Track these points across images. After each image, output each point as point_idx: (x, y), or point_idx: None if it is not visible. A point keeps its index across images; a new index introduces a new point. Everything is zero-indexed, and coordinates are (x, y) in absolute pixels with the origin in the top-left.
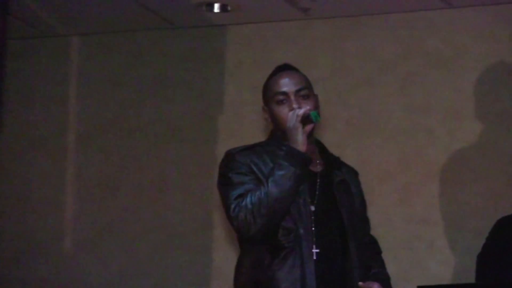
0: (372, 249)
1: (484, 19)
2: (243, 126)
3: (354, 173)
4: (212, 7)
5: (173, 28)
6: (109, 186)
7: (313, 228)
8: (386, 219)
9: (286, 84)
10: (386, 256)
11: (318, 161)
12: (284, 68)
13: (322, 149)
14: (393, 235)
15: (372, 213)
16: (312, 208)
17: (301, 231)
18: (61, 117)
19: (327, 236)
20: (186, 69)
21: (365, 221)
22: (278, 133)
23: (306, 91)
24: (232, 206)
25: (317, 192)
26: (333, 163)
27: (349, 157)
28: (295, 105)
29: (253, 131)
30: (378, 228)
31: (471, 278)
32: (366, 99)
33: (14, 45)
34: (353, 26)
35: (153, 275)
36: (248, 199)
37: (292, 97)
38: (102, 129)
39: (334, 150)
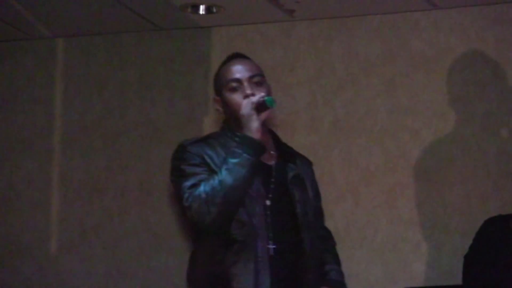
0: (326, 242)
1: (469, 20)
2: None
3: (308, 164)
4: (198, 9)
5: (158, 30)
6: (94, 188)
7: (268, 223)
8: (372, 221)
9: (239, 71)
10: (372, 257)
11: (272, 152)
12: (236, 56)
13: (275, 139)
14: (379, 237)
15: (358, 215)
16: (268, 202)
17: (256, 224)
18: (46, 119)
19: (283, 232)
20: (171, 71)
21: (320, 214)
22: (231, 123)
23: (259, 78)
24: (185, 196)
25: (272, 186)
26: (287, 155)
27: (334, 159)
28: (248, 91)
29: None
30: (364, 229)
31: (457, 280)
32: (351, 101)
33: None
34: (338, 27)
35: (139, 276)
36: (202, 188)
37: (246, 84)
38: (87, 131)
39: (319, 151)
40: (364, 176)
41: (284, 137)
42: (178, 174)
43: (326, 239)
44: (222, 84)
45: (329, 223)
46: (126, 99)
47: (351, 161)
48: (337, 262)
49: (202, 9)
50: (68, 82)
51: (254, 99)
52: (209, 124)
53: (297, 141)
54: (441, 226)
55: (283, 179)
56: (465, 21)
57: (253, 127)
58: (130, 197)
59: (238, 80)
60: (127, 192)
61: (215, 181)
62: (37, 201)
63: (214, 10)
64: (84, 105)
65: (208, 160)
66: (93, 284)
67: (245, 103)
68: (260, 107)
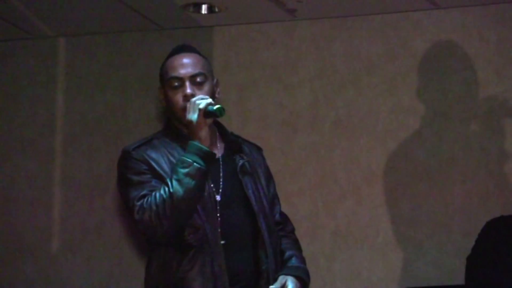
0: (284, 228)
1: (471, 20)
2: (229, 126)
3: (257, 150)
4: (199, 8)
5: (160, 29)
6: (96, 187)
7: (219, 219)
8: (374, 220)
9: (182, 68)
10: (374, 257)
11: (218, 145)
12: (182, 50)
13: (221, 130)
14: (381, 236)
15: (360, 214)
16: (218, 197)
17: (207, 225)
18: (48, 118)
19: (235, 226)
20: None
21: (275, 199)
22: (173, 120)
23: (202, 77)
24: (136, 208)
25: (221, 180)
26: (233, 145)
27: (336, 158)
28: (188, 91)
29: (240, 131)
30: (366, 229)
31: (459, 279)
32: (353, 100)
33: (1, 46)
34: (340, 27)
35: (141, 276)
36: (152, 200)
37: (187, 83)
38: (89, 130)
39: (321, 151)
40: (366, 175)
41: (286, 137)
42: (124, 183)
43: (284, 225)
44: (165, 79)
45: (331, 223)
46: (128, 99)
47: (353, 160)
48: (297, 247)
49: (204, 9)
50: (70, 81)
51: (202, 105)
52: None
53: (299, 141)
54: (443, 226)
55: (232, 171)
56: (467, 21)
57: (202, 135)
58: None
59: (179, 79)
60: None
61: (165, 192)
62: (38, 201)
63: (216, 9)
64: (85, 104)
65: (154, 165)
66: (94, 284)
67: (190, 107)
68: (208, 114)
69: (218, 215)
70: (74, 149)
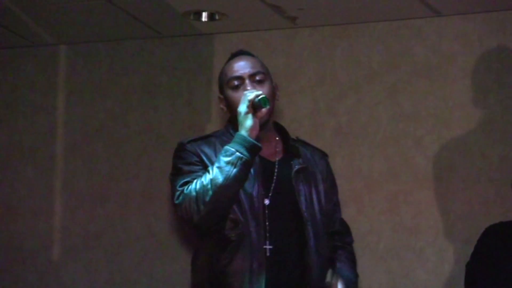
0: (341, 239)
1: (472, 27)
2: None
3: (321, 156)
4: (200, 15)
5: (161, 37)
6: (96, 195)
7: (266, 223)
8: (375, 228)
9: (241, 68)
10: (375, 265)
11: (277, 149)
12: (239, 54)
13: (283, 136)
14: (382, 244)
15: (361, 222)
16: (267, 201)
17: (251, 224)
18: (49, 126)
19: (282, 232)
20: (173, 78)
21: (335, 206)
22: (234, 121)
23: (262, 76)
24: (177, 194)
25: (273, 184)
26: (293, 149)
27: (337, 166)
28: (249, 88)
29: None
30: (367, 236)
31: (460, 287)
32: (354, 108)
33: (2, 54)
34: (341, 34)
35: (141, 284)
36: (193, 186)
37: (247, 81)
38: (89, 138)
39: None
40: (367, 183)
41: None
42: (175, 172)
43: (342, 235)
44: (225, 82)
45: None
46: (129, 106)
47: (354, 168)
48: (351, 260)
49: (204, 16)
50: (71, 89)
51: (251, 96)
52: (212, 130)
53: None
54: (444, 233)
55: (287, 175)
56: (468, 28)
57: (248, 125)
58: (132, 204)
59: (239, 78)
60: (129, 199)
61: (206, 179)
62: (39, 208)
63: (217, 17)
64: (86, 112)
65: (205, 158)
66: None
67: (242, 100)
68: (255, 105)
69: (266, 218)
70: (74, 157)
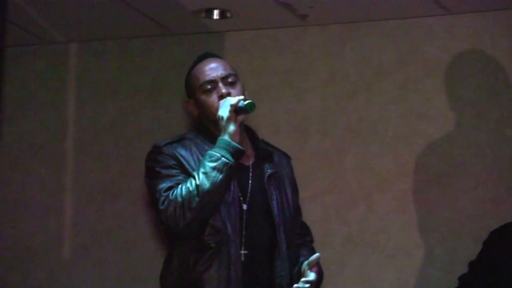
0: (302, 238)
1: (483, 26)
2: None
3: (286, 159)
4: (211, 13)
5: (171, 35)
6: (107, 192)
7: (243, 229)
8: (385, 227)
9: (213, 71)
10: (385, 263)
11: (249, 152)
12: (207, 56)
13: (252, 137)
14: (392, 242)
15: (371, 220)
16: (245, 207)
17: (230, 231)
18: (59, 124)
19: (257, 237)
20: (183, 75)
21: (297, 209)
22: (206, 124)
23: (234, 78)
24: (162, 199)
25: (249, 189)
26: (264, 153)
27: (347, 164)
28: (224, 91)
29: None
30: (377, 235)
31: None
32: (364, 106)
33: (12, 52)
34: (351, 32)
35: (151, 281)
36: (178, 192)
37: (220, 83)
38: (99, 136)
39: (332, 157)
40: (377, 181)
41: (297, 143)
42: (152, 176)
43: (302, 235)
44: (195, 86)
45: (342, 228)
46: (139, 104)
47: (364, 166)
48: (312, 254)
49: (216, 14)
50: (81, 87)
51: (233, 101)
52: None
53: (310, 147)
54: (454, 232)
55: (260, 180)
56: (479, 27)
57: (231, 130)
58: (142, 202)
59: (212, 81)
60: (139, 196)
61: (192, 185)
62: (49, 206)
63: (228, 15)
64: (96, 110)
65: (183, 161)
66: None
67: (221, 104)
68: (239, 110)
69: (243, 224)
70: (85, 155)
